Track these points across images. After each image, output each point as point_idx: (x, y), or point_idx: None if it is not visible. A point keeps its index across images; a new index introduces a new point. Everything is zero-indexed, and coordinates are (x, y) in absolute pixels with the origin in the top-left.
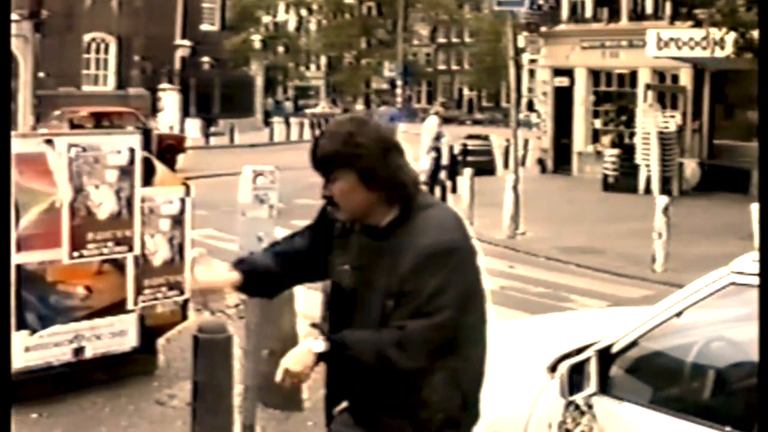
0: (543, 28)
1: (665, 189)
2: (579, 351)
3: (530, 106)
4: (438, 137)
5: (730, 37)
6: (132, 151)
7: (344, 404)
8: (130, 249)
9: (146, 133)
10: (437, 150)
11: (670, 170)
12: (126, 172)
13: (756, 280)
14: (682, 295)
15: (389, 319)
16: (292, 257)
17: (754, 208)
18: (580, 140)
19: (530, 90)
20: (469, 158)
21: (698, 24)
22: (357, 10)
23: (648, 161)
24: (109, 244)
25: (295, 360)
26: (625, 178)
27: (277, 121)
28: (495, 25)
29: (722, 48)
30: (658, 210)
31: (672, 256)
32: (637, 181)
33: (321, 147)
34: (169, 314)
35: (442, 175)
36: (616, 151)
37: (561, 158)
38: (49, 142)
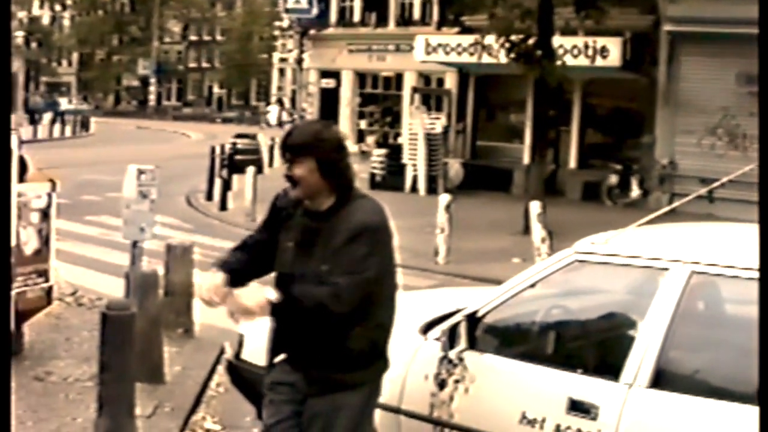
0: (312, 31)
1: (431, 188)
2: (445, 317)
3: (280, 104)
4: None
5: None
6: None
7: (282, 356)
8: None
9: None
10: None
11: (435, 170)
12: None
13: (595, 258)
14: (534, 270)
15: (324, 281)
16: (258, 252)
17: (534, 206)
18: None
19: (294, 92)
20: (239, 157)
21: (465, 30)
22: (111, 6)
23: (414, 161)
24: None
25: (250, 298)
26: (391, 177)
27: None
28: (247, 25)
29: (490, 54)
30: (441, 206)
31: (452, 250)
32: (403, 180)
33: (293, 136)
34: (37, 299)
35: (224, 173)
36: (383, 151)
37: None
38: None
